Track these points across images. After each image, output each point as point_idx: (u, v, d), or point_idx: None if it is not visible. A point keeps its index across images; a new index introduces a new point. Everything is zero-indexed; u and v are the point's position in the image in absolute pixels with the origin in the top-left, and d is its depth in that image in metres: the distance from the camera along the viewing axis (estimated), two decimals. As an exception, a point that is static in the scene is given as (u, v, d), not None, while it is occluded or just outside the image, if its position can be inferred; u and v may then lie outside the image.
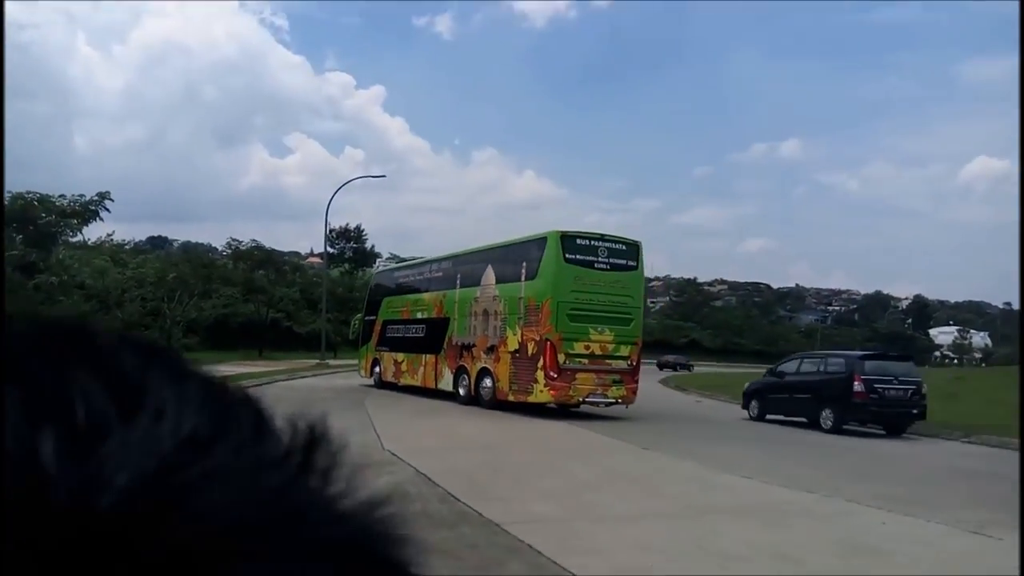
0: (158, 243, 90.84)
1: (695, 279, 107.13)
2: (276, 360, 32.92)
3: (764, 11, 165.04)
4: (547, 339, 14.56)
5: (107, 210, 16.77)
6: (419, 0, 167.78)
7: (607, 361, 15.01)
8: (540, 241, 15.29)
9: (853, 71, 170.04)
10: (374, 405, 16.04)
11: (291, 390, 19.81)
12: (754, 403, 17.25)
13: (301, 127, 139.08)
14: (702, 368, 53.18)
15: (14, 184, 15.77)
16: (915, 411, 14.82)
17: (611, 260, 15.24)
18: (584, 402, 14.88)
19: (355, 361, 25.39)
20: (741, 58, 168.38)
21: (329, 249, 53.32)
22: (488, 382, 16.23)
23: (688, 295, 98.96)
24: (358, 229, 63.59)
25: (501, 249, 17.30)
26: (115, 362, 0.25)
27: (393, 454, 9.25)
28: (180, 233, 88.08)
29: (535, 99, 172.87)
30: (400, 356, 20.66)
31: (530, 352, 14.90)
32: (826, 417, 14.91)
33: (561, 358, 14.46)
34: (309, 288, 46.03)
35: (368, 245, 63.67)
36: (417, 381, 19.43)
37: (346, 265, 59.93)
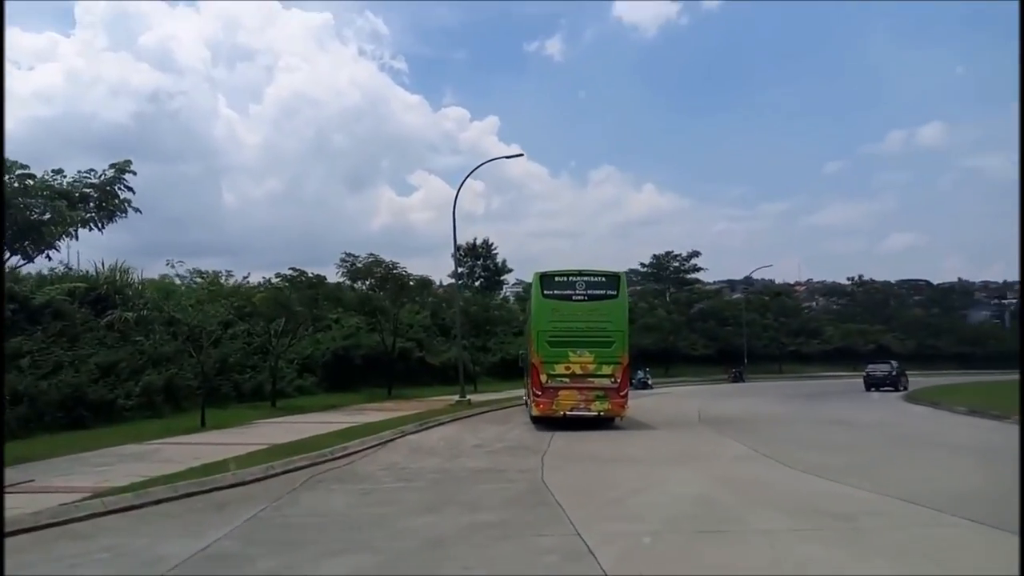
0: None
1: (860, 278, 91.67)
2: (407, 399, 26.82)
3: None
4: (533, 363, 17.04)
5: (128, 188, 11.05)
6: (528, 25, 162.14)
7: (589, 379, 16.42)
8: (533, 282, 17.79)
9: (995, 45, 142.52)
10: (560, 487, 8.83)
11: (421, 455, 12.68)
12: None
13: (423, 164, 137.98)
14: (924, 380, 41.68)
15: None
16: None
17: (589, 292, 16.68)
18: (567, 415, 16.38)
19: (498, 396, 26.50)
20: (866, 45, 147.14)
21: (459, 269, 47.78)
22: (528, 400, 18.83)
23: (866, 293, 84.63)
24: (487, 244, 57.92)
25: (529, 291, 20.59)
26: None
27: None
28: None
29: (651, 111, 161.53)
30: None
31: (530, 374, 17.56)
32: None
33: (543, 378, 16.52)
34: (440, 312, 40.07)
35: (499, 260, 57.72)
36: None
37: (477, 284, 54.19)
